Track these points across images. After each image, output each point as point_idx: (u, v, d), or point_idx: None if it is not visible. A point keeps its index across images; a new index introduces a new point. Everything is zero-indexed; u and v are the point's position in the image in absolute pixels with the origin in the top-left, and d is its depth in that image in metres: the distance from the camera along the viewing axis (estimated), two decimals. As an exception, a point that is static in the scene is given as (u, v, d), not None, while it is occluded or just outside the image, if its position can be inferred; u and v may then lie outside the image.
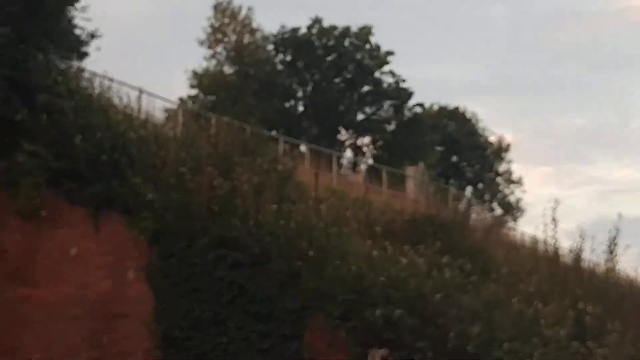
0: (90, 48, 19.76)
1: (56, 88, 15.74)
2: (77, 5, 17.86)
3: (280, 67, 44.77)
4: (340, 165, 32.87)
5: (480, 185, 53.79)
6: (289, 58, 44.81)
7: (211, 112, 25.72)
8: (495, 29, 77.07)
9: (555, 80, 79.28)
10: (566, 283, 14.54)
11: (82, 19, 18.69)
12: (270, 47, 44.77)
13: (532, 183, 77.18)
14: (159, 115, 19.07)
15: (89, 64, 18.38)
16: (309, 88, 45.23)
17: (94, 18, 18.56)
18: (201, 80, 43.28)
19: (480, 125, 54.88)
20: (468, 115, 54.28)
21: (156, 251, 14.31)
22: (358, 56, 45.12)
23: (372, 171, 31.09)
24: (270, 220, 14.01)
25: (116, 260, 14.64)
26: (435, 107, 52.69)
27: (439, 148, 49.38)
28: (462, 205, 22.91)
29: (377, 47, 45.82)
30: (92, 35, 19.19)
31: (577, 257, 15.57)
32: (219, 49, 43.72)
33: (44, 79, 15.79)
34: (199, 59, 46.43)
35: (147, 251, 14.41)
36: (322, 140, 39.94)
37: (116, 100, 16.93)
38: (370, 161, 42.32)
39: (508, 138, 59.22)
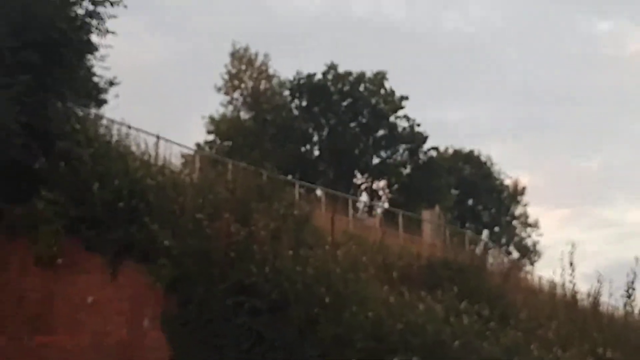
0: (109, 95, 20.11)
1: (75, 136, 15.88)
2: (96, 54, 18.17)
3: (296, 112, 45.16)
4: (356, 209, 32.87)
5: (496, 229, 53.66)
6: (304, 103, 45.23)
7: (228, 157, 25.88)
8: (509, 72, 77.44)
9: (571, 122, 79.38)
10: (585, 328, 14.39)
11: (101, 68, 19.05)
12: (287, 92, 45.23)
13: (549, 225, 76.71)
14: (177, 162, 19.21)
15: (107, 111, 18.64)
16: (325, 133, 45.54)
17: (113, 66, 18.89)
18: (218, 125, 43.69)
19: (496, 168, 54.97)
20: (483, 158, 54.39)
21: (174, 298, 14.26)
22: (373, 101, 45.52)
23: (388, 215, 31.07)
24: (288, 266, 13.97)
25: (133, 308, 14.59)
26: (450, 151, 52.86)
27: (454, 191, 49.38)
28: (479, 249, 22.83)
29: (392, 92, 46.22)
30: (111, 83, 19.52)
31: (596, 301, 15.43)
32: (236, 95, 44.19)
33: (63, 127, 15.94)
34: (216, 105, 47.00)
35: (164, 298, 14.36)
36: (338, 184, 40.07)
37: (134, 147, 17.05)
38: (386, 205, 42.35)
39: (524, 180, 59.19)
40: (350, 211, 26.74)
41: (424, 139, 46.26)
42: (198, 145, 39.91)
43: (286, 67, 63.91)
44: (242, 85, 44.16)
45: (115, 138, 17.02)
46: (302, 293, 13.57)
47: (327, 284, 13.61)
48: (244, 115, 44.16)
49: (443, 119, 67.87)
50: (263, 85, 44.46)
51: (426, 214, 31.52)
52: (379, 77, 46.04)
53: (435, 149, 47.77)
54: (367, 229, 24.70)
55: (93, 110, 18.29)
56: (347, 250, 15.29)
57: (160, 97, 61.86)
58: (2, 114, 14.94)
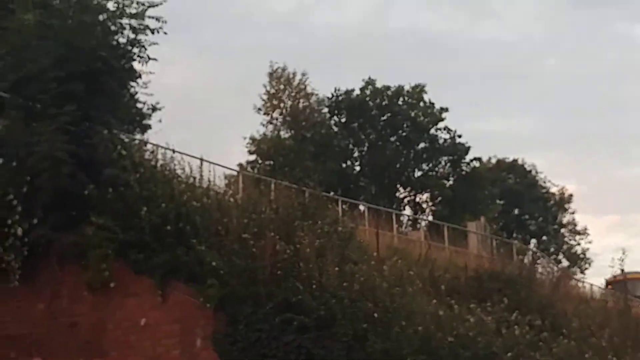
0: (152, 120, 20.40)
1: (121, 162, 16.13)
2: (138, 80, 18.48)
3: (335, 128, 45.27)
4: (400, 223, 32.80)
5: (544, 238, 53.04)
6: (344, 119, 45.34)
7: (270, 176, 26.06)
8: (549, 81, 76.70)
9: (615, 128, 78.34)
10: (638, 335, 14.20)
11: (144, 94, 19.36)
12: (325, 109, 45.39)
13: (598, 233, 75.63)
14: (220, 183, 19.38)
15: (151, 136, 18.90)
16: (365, 148, 45.55)
17: (154, 91, 19.16)
18: (259, 145, 43.97)
19: (541, 177, 54.43)
20: (527, 167, 53.92)
21: (223, 318, 14.37)
22: (412, 114, 45.42)
23: (433, 227, 30.96)
24: (334, 283, 14.02)
25: (184, 329, 14.71)
26: (493, 161, 52.51)
27: (499, 202, 48.93)
28: (527, 259, 22.65)
29: (431, 105, 46.10)
30: (154, 109, 19.80)
31: (649, 308, 15.22)
32: (276, 114, 44.47)
33: (109, 154, 16.19)
34: (256, 125, 47.32)
35: (213, 318, 14.47)
36: (381, 198, 40.10)
37: (179, 171, 17.26)
38: (430, 217, 42.18)
39: (571, 189, 58.48)
40: (394, 225, 26.73)
41: (465, 150, 46.01)
42: (240, 165, 40.19)
43: (324, 84, 64.07)
44: (281, 105, 44.47)
45: (160, 162, 17.23)
46: (349, 309, 13.59)
47: (373, 299, 13.61)
48: (284, 134, 44.43)
49: (485, 130, 67.56)
50: (302, 103, 44.71)
51: (471, 226, 31.32)
52: (418, 90, 45.99)
53: (478, 159, 47.45)
54: (412, 242, 24.67)
55: (137, 136, 18.57)
56: (393, 264, 15.29)
57: (201, 120, 62.53)
58: (50, 144, 15.27)
